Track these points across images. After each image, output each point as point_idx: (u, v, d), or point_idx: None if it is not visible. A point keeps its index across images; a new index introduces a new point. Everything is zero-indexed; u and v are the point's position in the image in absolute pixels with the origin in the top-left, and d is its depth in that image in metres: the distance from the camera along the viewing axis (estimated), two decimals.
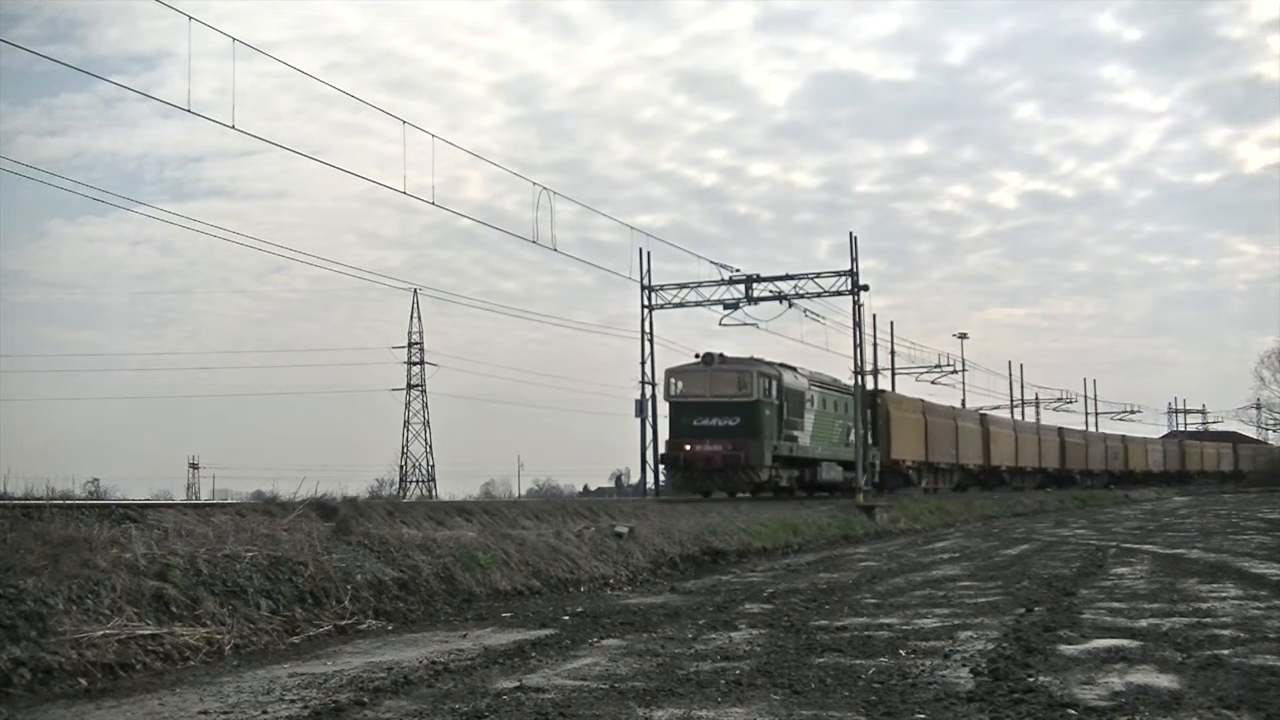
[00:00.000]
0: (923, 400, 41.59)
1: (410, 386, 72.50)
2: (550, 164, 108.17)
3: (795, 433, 27.03)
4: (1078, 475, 57.58)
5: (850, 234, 28.41)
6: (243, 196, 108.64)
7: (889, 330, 47.92)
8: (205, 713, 5.31)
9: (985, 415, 47.96)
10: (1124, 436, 68.72)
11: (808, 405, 28.02)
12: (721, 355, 26.07)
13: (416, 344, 71.96)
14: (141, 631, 6.86)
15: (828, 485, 29.32)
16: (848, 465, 29.73)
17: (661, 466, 27.61)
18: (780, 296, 28.92)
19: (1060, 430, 58.03)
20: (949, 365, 49.36)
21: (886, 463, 34.30)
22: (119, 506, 9.48)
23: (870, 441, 31.06)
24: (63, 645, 6.31)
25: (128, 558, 7.58)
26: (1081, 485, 57.17)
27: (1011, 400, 60.93)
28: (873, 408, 32.70)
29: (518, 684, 5.78)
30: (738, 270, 29.09)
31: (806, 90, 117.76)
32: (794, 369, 28.07)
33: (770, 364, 26.93)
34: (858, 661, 6.40)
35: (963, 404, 50.97)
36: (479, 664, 6.54)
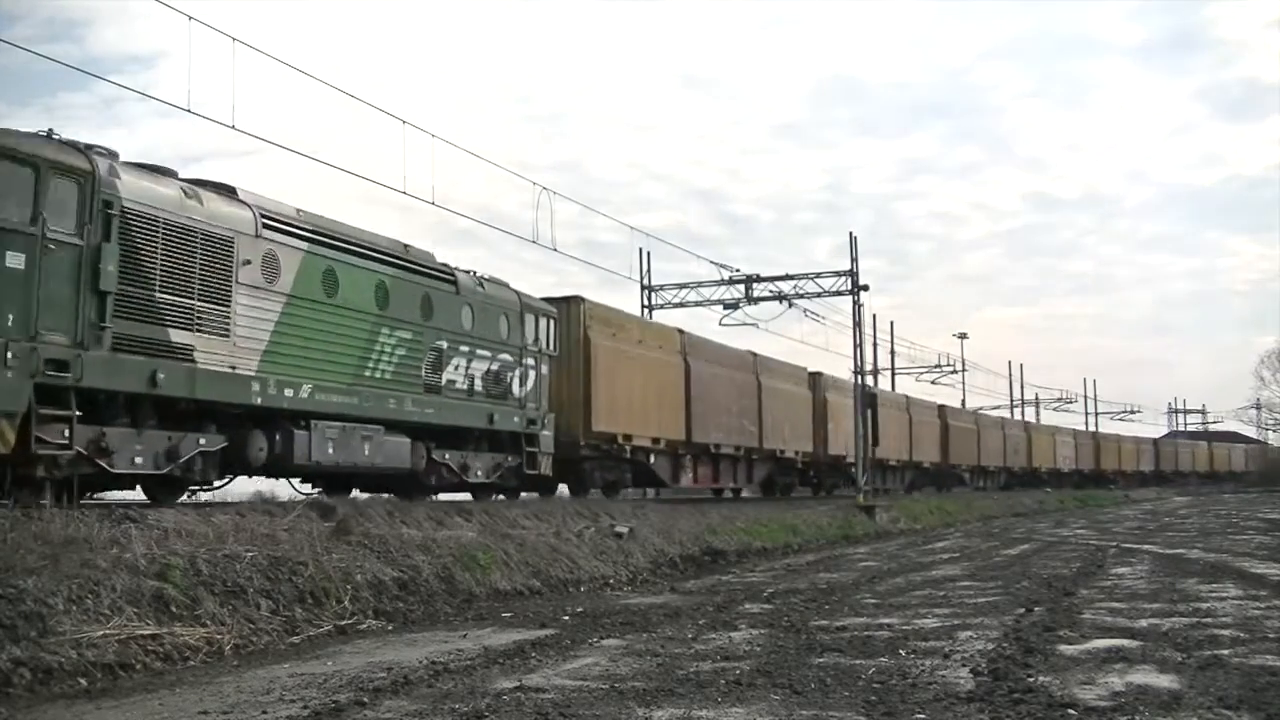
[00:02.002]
0: (682, 333, 23.03)
1: None
2: (550, 164, 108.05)
3: (179, 334, 10.62)
4: (966, 473, 43.16)
5: (850, 234, 28.11)
6: None
7: (889, 330, 47.55)
8: (205, 713, 5.31)
9: (821, 376, 30.26)
10: (1027, 424, 54.75)
11: (244, 277, 11.47)
12: None
13: None
14: (141, 631, 6.87)
15: (353, 475, 13.62)
16: (445, 436, 14.63)
17: None
18: (780, 296, 28.89)
19: (942, 410, 41.75)
20: (949, 365, 49.30)
21: (585, 440, 18.41)
22: (119, 506, 9.48)
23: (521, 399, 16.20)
24: (63, 645, 6.31)
25: (128, 558, 7.58)
26: (972, 487, 43.42)
27: (1011, 400, 60.86)
28: (564, 336, 18.15)
29: (518, 684, 5.78)
30: (738, 270, 29.04)
31: (806, 90, 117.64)
32: (174, 182, 10.96)
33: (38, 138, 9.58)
34: (858, 661, 6.40)
35: (963, 404, 50.17)
36: (479, 664, 6.55)
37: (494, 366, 15.59)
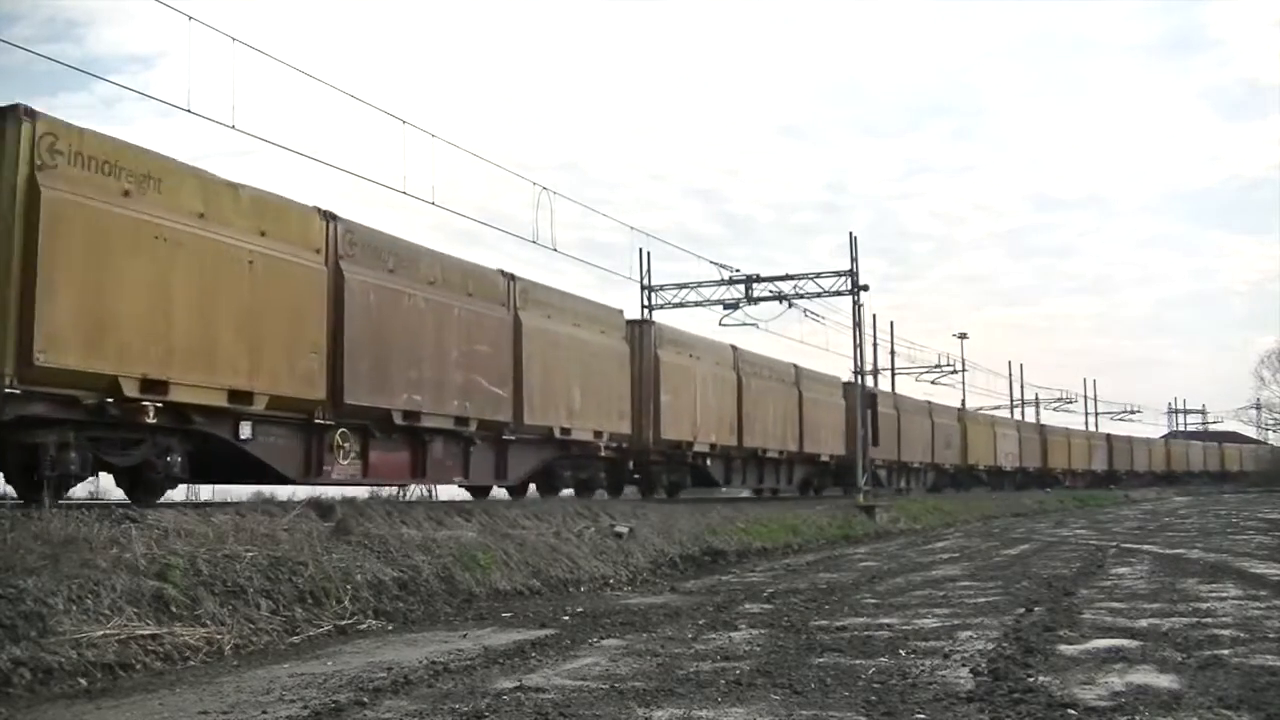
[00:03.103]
0: (332, 218, 12.01)
1: None
2: (550, 164, 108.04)
3: None
4: (883, 469, 32.38)
5: (850, 234, 28.01)
6: None
7: (889, 330, 47.13)
8: (205, 713, 5.31)
9: (651, 326, 20.85)
10: (962, 412, 44.22)
11: None
12: None
13: None
14: (141, 631, 6.87)
15: None
16: None
17: None
18: (780, 296, 28.88)
19: (849, 389, 29.94)
20: (949, 365, 49.23)
21: (22, 382, 8.59)
22: (119, 506, 9.48)
23: None
24: (62, 645, 6.31)
25: (128, 558, 7.58)
26: (891, 489, 33.02)
27: (1011, 400, 60.77)
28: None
29: (518, 684, 5.78)
30: (738, 270, 29.05)
31: (807, 90, 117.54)
32: None
33: None
34: (858, 661, 6.40)
35: (962, 404, 49.79)
36: (479, 664, 6.55)
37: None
